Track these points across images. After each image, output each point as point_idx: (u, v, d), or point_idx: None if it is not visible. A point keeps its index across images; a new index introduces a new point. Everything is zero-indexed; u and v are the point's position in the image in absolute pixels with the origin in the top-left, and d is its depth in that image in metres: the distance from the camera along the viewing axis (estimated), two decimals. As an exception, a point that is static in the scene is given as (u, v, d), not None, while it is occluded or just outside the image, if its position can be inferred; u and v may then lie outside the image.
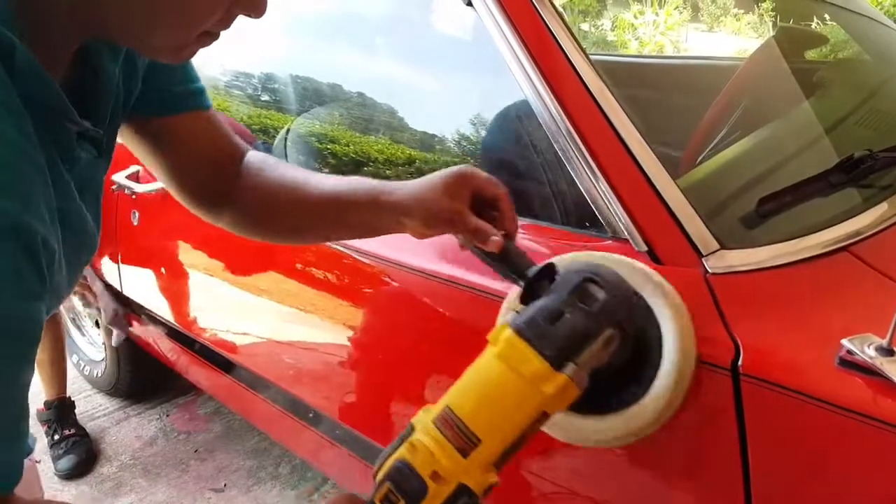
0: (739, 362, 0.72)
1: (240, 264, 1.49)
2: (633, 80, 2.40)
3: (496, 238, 0.70)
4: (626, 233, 0.84)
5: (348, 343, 1.22)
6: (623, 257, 0.79)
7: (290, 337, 1.40)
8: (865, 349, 0.68)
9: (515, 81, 0.93)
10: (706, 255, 0.80)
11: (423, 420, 0.63)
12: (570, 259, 0.80)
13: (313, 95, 1.49)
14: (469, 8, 0.98)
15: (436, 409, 0.63)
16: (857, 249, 0.85)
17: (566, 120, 0.88)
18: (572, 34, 0.94)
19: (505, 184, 0.75)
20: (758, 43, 2.03)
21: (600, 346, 0.63)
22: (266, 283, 1.39)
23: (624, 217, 0.84)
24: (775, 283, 0.80)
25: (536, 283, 0.69)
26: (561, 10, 0.95)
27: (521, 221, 0.93)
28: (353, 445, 1.37)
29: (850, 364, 0.68)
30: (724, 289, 0.78)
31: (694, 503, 0.79)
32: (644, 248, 0.82)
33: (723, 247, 0.82)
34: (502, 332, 0.64)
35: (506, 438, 0.61)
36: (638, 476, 0.84)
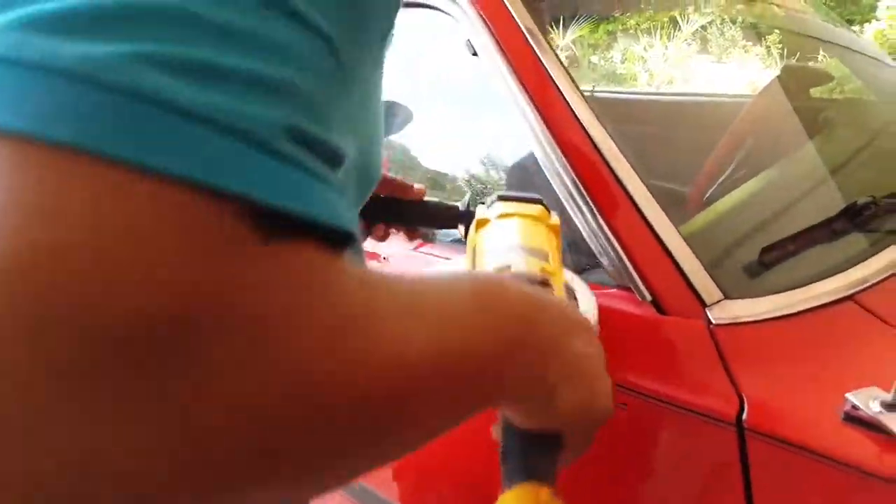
0: (744, 417, 0.71)
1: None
2: (644, 116, 2.42)
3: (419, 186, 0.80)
4: (630, 283, 0.84)
5: None
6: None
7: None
8: (870, 404, 0.68)
9: (521, 132, 0.94)
10: (710, 306, 0.80)
11: None
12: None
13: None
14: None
15: None
16: (861, 298, 0.84)
17: (570, 170, 0.89)
18: (576, 85, 0.95)
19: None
20: (765, 74, 2.04)
21: None
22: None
23: (628, 267, 0.84)
24: (779, 334, 0.79)
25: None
26: (565, 64, 0.96)
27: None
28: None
29: (855, 419, 0.68)
30: (729, 340, 0.78)
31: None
32: (648, 297, 0.82)
33: (726, 297, 0.82)
34: None
35: None
36: None
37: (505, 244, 0.65)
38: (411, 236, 0.90)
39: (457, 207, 0.85)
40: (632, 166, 0.89)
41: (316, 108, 0.28)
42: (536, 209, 0.71)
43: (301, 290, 0.25)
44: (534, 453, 0.44)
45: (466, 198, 0.85)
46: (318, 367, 0.25)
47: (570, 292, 0.82)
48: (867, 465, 0.65)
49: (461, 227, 0.83)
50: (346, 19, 0.32)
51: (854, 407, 0.68)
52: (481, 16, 0.98)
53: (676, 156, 1.63)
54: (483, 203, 0.75)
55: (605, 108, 2.47)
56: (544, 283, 0.55)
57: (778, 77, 1.78)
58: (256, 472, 0.24)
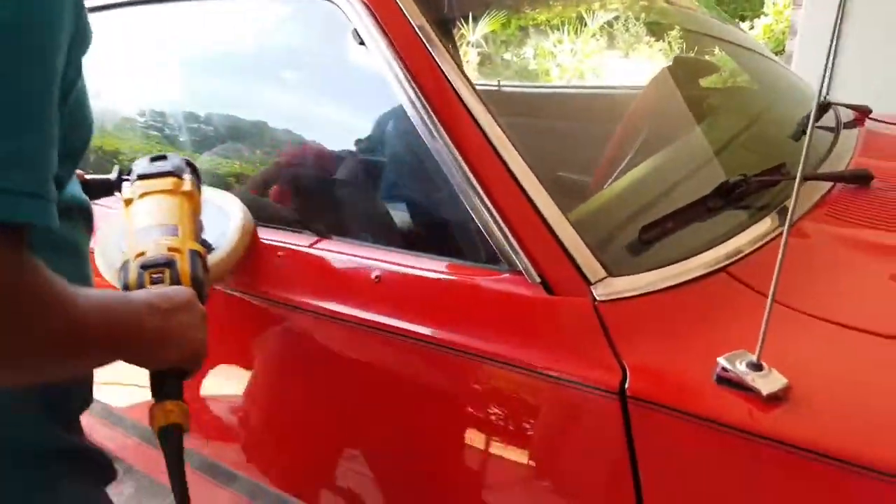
0: (626, 386, 0.76)
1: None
2: (550, 110, 2.49)
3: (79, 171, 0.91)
4: (520, 266, 0.87)
5: (253, 396, 1.22)
6: None
7: (206, 394, 1.38)
8: (738, 365, 0.73)
9: (411, 121, 0.96)
10: (594, 283, 0.84)
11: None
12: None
13: (215, 132, 1.48)
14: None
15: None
16: (733, 269, 0.91)
17: (461, 160, 0.92)
18: (465, 74, 0.97)
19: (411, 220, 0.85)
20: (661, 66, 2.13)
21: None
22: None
23: (518, 251, 0.87)
24: (658, 306, 0.84)
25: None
26: (456, 52, 0.99)
27: (428, 257, 0.97)
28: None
29: (727, 380, 0.73)
30: (612, 315, 0.82)
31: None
32: (538, 279, 0.86)
33: (610, 274, 0.86)
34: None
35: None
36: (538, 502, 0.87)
37: (142, 225, 0.87)
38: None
39: (109, 179, 1.03)
40: (520, 155, 0.92)
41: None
42: (169, 182, 0.94)
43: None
44: (164, 382, 0.76)
45: (115, 170, 1.04)
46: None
47: (224, 214, 1.11)
48: (738, 423, 0.70)
49: (117, 193, 1.01)
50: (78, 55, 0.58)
51: (724, 369, 0.74)
52: (366, 4, 0.99)
53: (582, 146, 1.70)
54: (128, 181, 0.96)
55: (509, 101, 2.53)
56: (169, 264, 0.80)
57: (668, 68, 1.86)
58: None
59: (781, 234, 0.97)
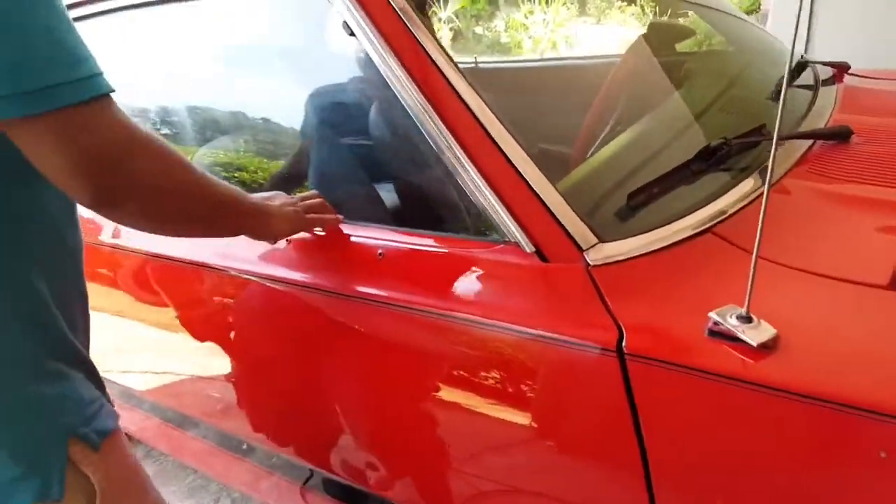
0: (624, 344, 0.79)
1: (148, 301, 1.49)
2: (527, 83, 2.51)
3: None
4: (515, 237, 0.91)
5: (267, 370, 1.26)
6: None
7: (212, 371, 1.42)
8: (728, 318, 0.77)
9: (401, 104, 0.99)
10: (586, 250, 0.88)
11: None
12: None
13: (213, 125, 1.50)
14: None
15: None
16: (719, 229, 0.94)
17: (453, 141, 0.94)
18: (451, 58, 0.99)
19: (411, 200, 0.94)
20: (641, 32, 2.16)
21: None
22: (176, 320, 1.40)
23: (512, 223, 0.91)
24: (649, 268, 0.88)
25: None
26: (434, 31, 1.01)
27: (427, 233, 1.01)
28: (291, 472, 1.40)
29: (718, 333, 0.77)
30: (605, 278, 0.86)
31: (597, 482, 0.87)
32: (532, 249, 0.89)
33: (601, 240, 0.89)
34: None
35: None
36: (542, 462, 0.91)
37: None
38: None
39: None
40: (508, 131, 0.95)
41: None
42: None
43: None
44: None
45: None
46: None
47: None
48: (731, 373, 0.74)
49: None
50: None
51: (716, 323, 0.77)
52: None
53: (562, 119, 1.72)
54: None
55: (488, 78, 2.54)
56: None
57: (644, 35, 1.88)
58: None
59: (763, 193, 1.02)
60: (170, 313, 1.43)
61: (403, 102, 0.98)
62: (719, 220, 0.95)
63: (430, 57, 0.98)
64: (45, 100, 0.65)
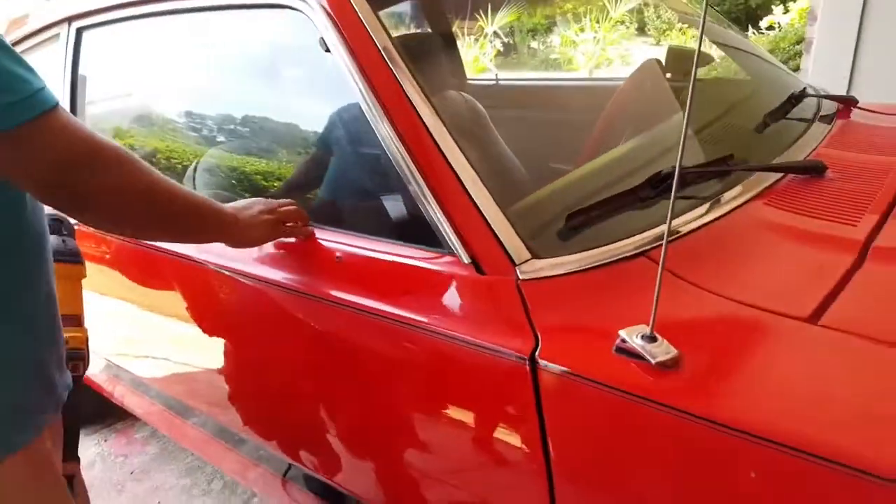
0: (537, 353, 0.85)
1: (160, 297, 1.59)
2: (544, 101, 2.56)
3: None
4: (455, 248, 0.97)
5: (264, 372, 1.34)
6: None
7: (213, 367, 1.51)
8: (634, 338, 0.82)
9: (368, 122, 1.06)
10: (519, 265, 0.94)
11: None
12: None
13: (219, 129, 1.60)
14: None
15: None
16: (654, 254, 0.99)
17: (408, 157, 1.01)
18: (413, 75, 1.06)
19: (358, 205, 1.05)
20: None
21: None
22: (186, 316, 1.49)
23: (452, 235, 0.97)
24: (578, 285, 0.93)
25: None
26: (402, 54, 1.08)
27: (376, 239, 1.08)
28: (275, 465, 1.49)
29: (623, 350, 0.82)
30: (532, 292, 0.91)
31: (503, 481, 0.93)
32: (468, 260, 0.95)
33: (536, 256, 0.95)
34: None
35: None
36: (460, 459, 0.98)
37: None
38: None
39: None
40: (462, 152, 1.01)
41: None
42: (72, 270, 1.12)
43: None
44: None
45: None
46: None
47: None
48: (631, 388, 0.79)
49: None
50: None
51: (623, 340, 0.82)
52: (329, 14, 1.09)
53: (569, 137, 1.78)
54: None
55: (506, 94, 2.60)
56: (77, 356, 1.07)
57: (653, 60, 1.92)
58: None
59: (709, 222, 1.06)
60: (172, 307, 1.53)
61: (370, 121, 1.05)
62: (656, 245, 1.00)
63: (403, 88, 1.05)
64: (12, 116, 0.71)
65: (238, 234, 1.08)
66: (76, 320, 1.12)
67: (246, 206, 1.12)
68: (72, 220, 1.13)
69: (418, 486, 1.08)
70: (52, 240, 1.03)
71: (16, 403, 0.88)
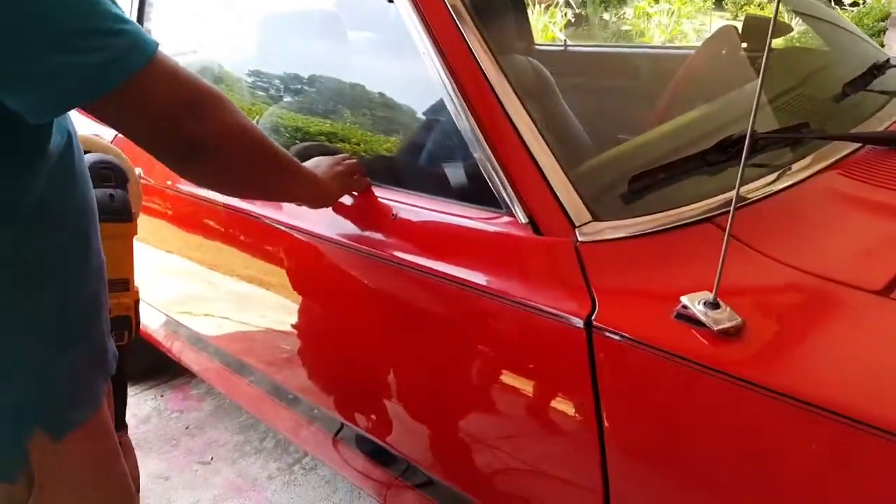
0: (594, 317, 0.83)
1: (222, 254, 1.61)
2: (613, 69, 2.49)
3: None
4: (511, 207, 0.95)
5: (320, 330, 1.35)
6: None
7: (270, 325, 1.53)
8: (696, 304, 0.78)
9: (432, 76, 1.04)
10: (579, 226, 0.91)
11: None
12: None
13: (282, 86, 1.60)
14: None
15: None
16: (721, 220, 0.94)
17: (469, 111, 0.99)
18: (480, 31, 1.03)
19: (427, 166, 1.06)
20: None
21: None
22: (247, 274, 1.51)
23: (513, 195, 0.95)
24: (639, 249, 0.90)
25: None
26: (470, 12, 1.05)
27: (432, 198, 1.06)
28: (327, 424, 1.50)
29: (684, 317, 0.79)
30: (590, 254, 0.89)
31: (553, 448, 0.91)
32: (525, 220, 0.93)
33: (596, 219, 0.92)
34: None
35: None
36: (509, 424, 0.96)
37: None
38: None
39: None
40: (529, 114, 0.98)
41: None
42: (119, 229, 1.06)
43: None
44: None
45: None
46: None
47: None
48: (689, 354, 0.76)
49: None
50: None
51: (684, 307, 0.79)
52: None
53: (637, 104, 1.73)
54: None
55: (574, 60, 2.53)
56: (122, 324, 1.07)
57: (729, 27, 1.84)
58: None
59: (779, 190, 1.02)
60: (232, 264, 1.55)
61: (430, 67, 1.03)
62: (722, 211, 0.96)
63: (470, 47, 1.02)
64: (115, 73, 0.67)
65: (320, 191, 1.07)
66: (123, 284, 1.07)
67: (315, 164, 1.11)
68: (123, 168, 1.10)
69: (469, 450, 1.06)
70: (99, 194, 0.95)
71: (74, 380, 0.85)
